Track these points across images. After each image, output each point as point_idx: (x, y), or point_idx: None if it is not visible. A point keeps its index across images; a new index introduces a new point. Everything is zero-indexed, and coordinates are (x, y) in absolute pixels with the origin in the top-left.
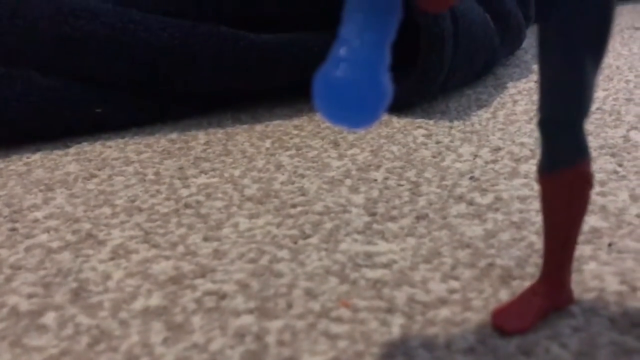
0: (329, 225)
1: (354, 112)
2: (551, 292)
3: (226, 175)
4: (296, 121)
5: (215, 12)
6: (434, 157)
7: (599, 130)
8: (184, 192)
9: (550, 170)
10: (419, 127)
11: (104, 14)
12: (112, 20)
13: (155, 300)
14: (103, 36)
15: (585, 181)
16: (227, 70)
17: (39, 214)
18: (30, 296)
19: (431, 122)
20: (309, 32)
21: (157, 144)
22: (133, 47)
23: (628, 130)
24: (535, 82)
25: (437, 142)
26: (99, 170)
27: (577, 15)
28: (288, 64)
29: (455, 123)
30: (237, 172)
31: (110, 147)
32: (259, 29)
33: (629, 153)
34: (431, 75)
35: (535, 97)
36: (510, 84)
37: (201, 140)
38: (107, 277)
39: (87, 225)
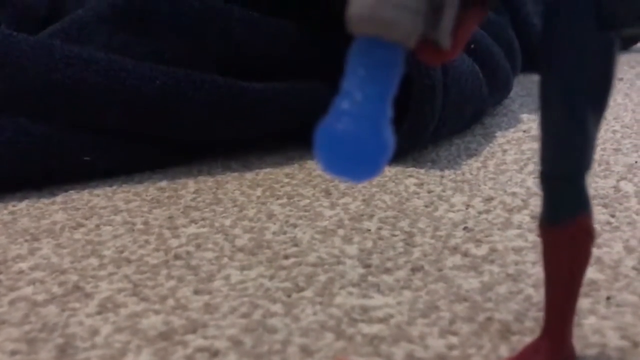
0: (323, 277)
1: (356, 166)
2: (553, 348)
3: (217, 224)
4: (287, 169)
5: (209, 60)
6: (426, 206)
7: (590, 180)
8: (174, 242)
9: (552, 223)
10: (410, 175)
11: (96, 62)
12: (104, 68)
13: (145, 357)
14: (94, 84)
15: (587, 234)
16: (219, 118)
17: (24, 265)
18: (13, 353)
19: (422, 171)
20: (301, 80)
21: (146, 192)
22: (124, 95)
23: (618, 181)
24: (524, 131)
25: (429, 192)
26: (87, 219)
27: (579, 68)
28: (280, 113)
29: (446, 172)
30: (227, 222)
31: (98, 195)
32: (251, 77)
33: (620, 204)
34: (422, 125)
35: (525, 146)
36: (498, 133)
37: (191, 188)
38: (94, 332)
39: (74, 277)
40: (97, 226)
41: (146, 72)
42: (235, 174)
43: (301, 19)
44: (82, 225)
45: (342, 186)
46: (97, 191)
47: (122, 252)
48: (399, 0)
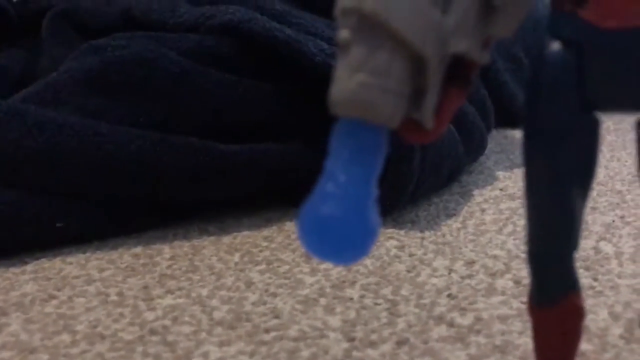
0: (305, 353)
1: (342, 249)
2: None
3: (193, 295)
4: (265, 232)
5: (185, 123)
6: (408, 271)
7: None
8: (149, 315)
9: (542, 303)
10: (391, 237)
11: (70, 126)
12: (79, 132)
13: None
14: (68, 149)
15: (577, 314)
16: (196, 182)
17: None
18: None
19: (402, 232)
20: (279, 142)
21: (120, 259)
22: (100, 160)
23: (597, 241)
24: (500, 189)
25: (411, 255)
26: (59, 290)
27: (564, 149)
28: (258, 175)
29: (427, 233)
30: (205, 292)
31: (70, 263)
32: (229, 139)
33: (602, 266)
34: (401, 186)
35: (502, 205)
36: (476, 192)
37: (166, 254)
38: None
39: (44, 357)
40: (70, 298)
41: (122, 136)
42: (212, 238)
43: (278, 81)
44: (53, 297)
45: None
46: (69, 259)
47: (95, 326)
48: (381, 83)
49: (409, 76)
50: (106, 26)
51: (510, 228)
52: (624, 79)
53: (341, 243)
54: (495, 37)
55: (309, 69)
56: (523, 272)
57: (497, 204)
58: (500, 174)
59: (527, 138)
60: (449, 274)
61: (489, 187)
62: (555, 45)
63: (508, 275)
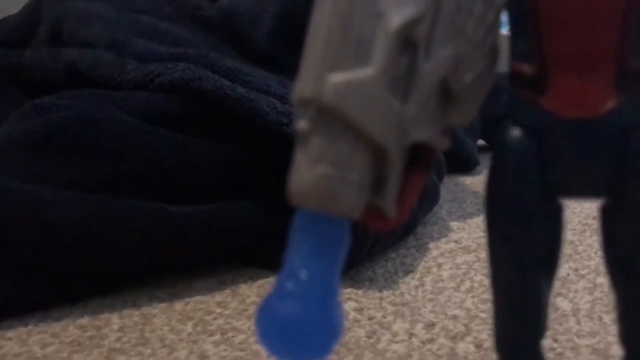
0: None
1: (304, 350)
2: None
3: None
4: (218, 297)
5: (133, 185)
6: (368, 337)
7: None
8: None
9: None
10: (349, 298)
11: (10, 192)
12: (20, 199)
13: None
14: (9, 217)
15: None
16: (146, 246)
17: None
18: None
19: (360, 292)
20: (230, 201)
21: (65, 332)
22: (43, 228)
23: (554, 297)
24: (455, 242)
25: (370, 318)
26: None
27: (529, 234)
28: (210, 235)
29: (385, 293)
30: None
31: (10, 339)
32: (179, 199)
33: (560, 324)
34: (359, 245)
35: (458, 259)
36: (431, 245)
37: (115, 325)
38: None
39: None
40: None
41: (66, 201)
42: (164, 305)
43: (230, 139)
44: None
45: None
46: (9, 333)
47: None
48: (343, 175)
49: (371, 166)
50: (50, 82)
51: (467, 284)
52: (583, 167)
53: (303, 344)
54: (455, 124)
55: (261, 128)
56: (484, 334)
57: (453, 258)
58: (454, 224)
59: (491, 223)
60: (410, 338)
61: (444, 240)
62: (516, 132)
63: (469, 338)
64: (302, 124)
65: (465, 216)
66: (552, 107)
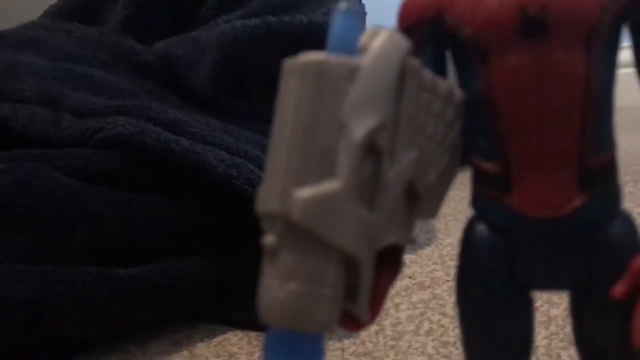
0: None
1: None
2: None
3: None
4: (176, 359)
5: (79, 251)
6: None
7: None
8: None
9: None
10: None
11: None
12: None
13: None
14: None
15: None
16: (96, 314)
17: None
18: None
19: None
20: (181, 258)
21: None
22: None
23: None
24: (410, 277)
25: None
26: None
27: (498, 325)
28: (162, 295)
29: (346, 343)
30: None
31: None
32: (127, 261)
33: None
34: None
35: (415, 297)
36: None
37: None
38: None
39: None
40: None
41: (8, 275)
42: None
43: (176, 194)
44: None
45: None
46: None
47: None
48: (315, 291)
49: (343, 277)
50: None
51: (426, 326)
52: (551, 263)
53: None
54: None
55: (209, 182)
56: None
57: (409, 296)
58: (406, 257)
59: (463, 317)
60: None
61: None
62: (482, 229)
63: None
64: (269, 239)
65: (415, 248)
66: (517, 206)
